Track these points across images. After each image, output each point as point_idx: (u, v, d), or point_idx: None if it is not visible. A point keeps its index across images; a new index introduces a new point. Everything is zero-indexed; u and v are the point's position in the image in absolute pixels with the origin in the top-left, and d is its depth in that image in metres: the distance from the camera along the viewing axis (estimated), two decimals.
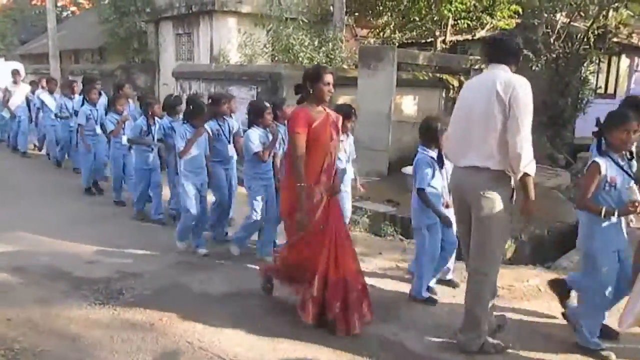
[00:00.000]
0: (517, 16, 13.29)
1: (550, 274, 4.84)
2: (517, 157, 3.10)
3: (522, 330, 3.85)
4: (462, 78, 12.56)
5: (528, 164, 3.13)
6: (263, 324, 3.86)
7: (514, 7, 13.10)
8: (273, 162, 5.19)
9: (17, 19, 34.23)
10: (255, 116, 5.04)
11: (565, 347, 3.60)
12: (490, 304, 3.48)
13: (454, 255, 4.45)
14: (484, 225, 3.29)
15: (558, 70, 11.35)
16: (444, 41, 13.98)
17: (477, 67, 10.43)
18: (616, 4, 11.59)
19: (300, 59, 10.65)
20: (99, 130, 7.63)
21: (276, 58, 11.32)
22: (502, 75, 3.19)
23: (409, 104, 10.65)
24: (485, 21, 13.82)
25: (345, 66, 11.18)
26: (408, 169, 8.24)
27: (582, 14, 11.71)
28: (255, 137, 4.99)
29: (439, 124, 4.12)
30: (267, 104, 5.21)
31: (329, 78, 3.66)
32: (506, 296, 4.43)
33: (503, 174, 3.25)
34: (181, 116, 6.28)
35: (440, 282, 4.57)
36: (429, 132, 4.15)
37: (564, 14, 11.37)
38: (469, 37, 14.30)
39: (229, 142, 5.73)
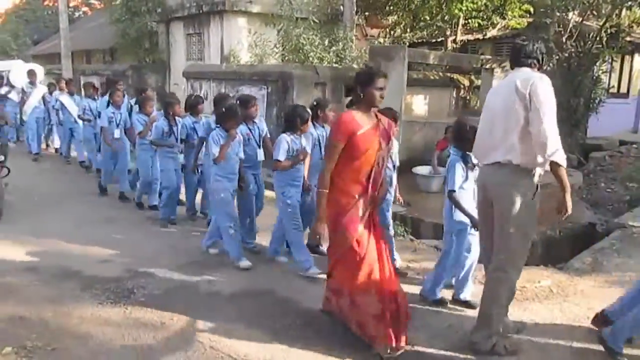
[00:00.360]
0: (528, 15, 13.23)
1: (561, 275, 4.81)
2: (541, 146, 3.09)
3: (533, 331, 3.82)
4: (472, 77, 12.53)
5: (555, 152, 3.09)
6: (274, 324, 3.86)
7: (525, 6, 13.04)
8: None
9: (30, 20, 34.53)
10: (291, 122, 4.79)
11: (578, 350, 3.57)
12: (507, 304, 3.46)
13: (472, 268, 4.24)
14: (507, 222, 3.28)
15: (570, 69, 11.26)
16: (454, 40, 13.94)
17: (487, 66, 10.37)
18: (629, 3, 11.49)
19: (310, 58, 10.65)
20: (117, 134, 7.48)
21: (286, 58, 11.33)
22: (521, 74, 3.28)
23: (419, 104, 10.64)
24: (496, 20, 13.77)
25: (355, 66, 11.16)
26: (418, 169, 8.23)
27: (594, 12, 11.60)
28: (285, 143, 4.74)
29: (472, 125, 3.99)
30: (309, 111, 4.92)
31: (381, 82, 3.39)
32: (518, 297, 4.37)
33: (526, 170, 3.25)
34: (203, 116, 6.37)
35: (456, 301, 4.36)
36: (462, 134, 4.05)
37: (576, 12, 11.28)
38: (480, 36, 14.26)
39: (259, 146, 5.49)
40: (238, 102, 5.47)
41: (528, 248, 3.40)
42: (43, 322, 3.79)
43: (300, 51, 10.83)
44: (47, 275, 4.66)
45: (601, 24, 11.30)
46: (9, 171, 6.64)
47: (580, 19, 11.42)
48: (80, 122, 9.21)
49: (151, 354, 3.43)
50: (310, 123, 4.92)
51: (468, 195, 4.04)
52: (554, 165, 3.13)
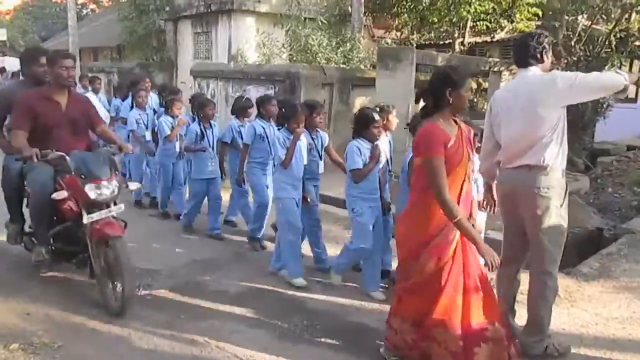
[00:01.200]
0: (536, 19, 13.19)
1: (569, 280, 4.78)
2: (607, 79, 3.13)
3: None
4: (480, 80, 12.51)
5: (624, 75, 3.12)
6: (280, 324, 3.85)
7: (533, 9, 13.00)
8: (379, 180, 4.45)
9: (38, 16, 34.73)
10: (361, 126, 4.31)
11: (586, 356, 3.55)
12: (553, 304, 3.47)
13: None
14: (541, 224, 3.27)
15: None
16: (462, 43, 13.91)
17: (495, 69, 10.34)
18: (639, 7, 11.42)
19: (318, 59, 10.65)
20: (149, 136, 7.02)
21: (294, 58, 11.33)
22: (537, 76, 3.28)
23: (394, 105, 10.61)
24: (504, 23, 13.74)
25: (362, 66, 11.16)
26: None
27: (604, 16, 11.55)
28: (358, 151, 4.24)
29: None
30: (375, 115, 4.37)
31: (470, 84, 3.05)
32: (524, 301, 4.37)
33: (558, 173, 3.27)
34: (250, 119, 5.88)
35: None
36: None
37: (585, 16, 11.23)
38: (488, 39, 14.23)
39: (321, 157, 4.96)
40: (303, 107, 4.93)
41: (563, 245, 3.40)
42: (49, 319, 3.80)
43: (308, 51, 10.83)
44: (54, 271, 4.64)
45: (610, 28, 11.25)
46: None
47: (590, 22, 11.37)
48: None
49: (157, 353, 3.43)
50: (379, 127, 4.36)
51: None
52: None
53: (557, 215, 3.28)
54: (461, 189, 2.97)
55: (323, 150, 4.97)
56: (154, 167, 7.03)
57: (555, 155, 3.23)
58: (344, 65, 10.77)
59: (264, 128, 5.33)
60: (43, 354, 3.33)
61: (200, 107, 5.91)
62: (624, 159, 10.48)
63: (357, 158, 4.21)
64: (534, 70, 3.31)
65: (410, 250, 3.05)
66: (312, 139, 4.86)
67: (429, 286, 2.98)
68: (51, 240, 4.23)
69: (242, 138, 5.67)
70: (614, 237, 6.14)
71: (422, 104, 3.15)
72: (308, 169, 4.78)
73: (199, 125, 5.84)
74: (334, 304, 4.22)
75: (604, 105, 11.55)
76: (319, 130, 4.95)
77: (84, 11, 35.68)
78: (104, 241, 3.84)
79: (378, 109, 4.65)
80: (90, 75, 10.49)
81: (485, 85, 11.92)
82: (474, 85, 12.36)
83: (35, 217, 4.12)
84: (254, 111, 5.82)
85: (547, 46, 3.32)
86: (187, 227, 6.05)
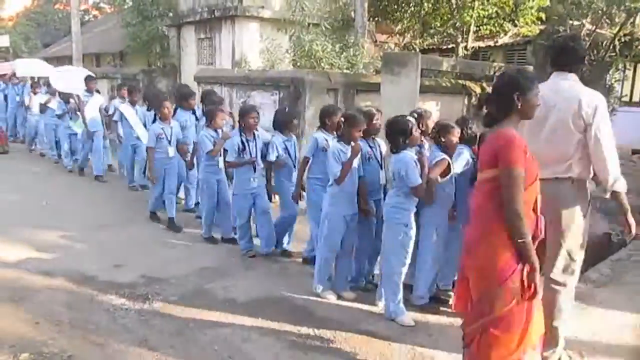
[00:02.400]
0: (540, 23, 13.18)
1: (579, 286, 4.74)
2: (601, 174, 3.13)
3: None
4: (484, 85, 12.47)
5: (616, 182, 3.12)
6: (290, 333, 3.83)
7: (537, 13, 13.00)
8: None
9: (40, 22, 34.80)
10: (400, 135, 4.03)
11: None
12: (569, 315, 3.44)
13: None
14: (564, 235, 3.25)
15: (583, 78, 11.06)
16: (465, 47, 13.89)
17: (500, 74, 10.32)
18: None
19: (322, 64, 10.64)
20: (172, 152, 6.41)
21: (298, 63, 11.31)
22: (579, 88, 3.19)
23: (431, 111, 10.58)
24: (507, 28, 13.74)
25: (365, 72, 11.15)
26: None
27: (608, 20, 11.57)
28: (414, 164, 3.99)
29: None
30: (412, 120, 4.12)
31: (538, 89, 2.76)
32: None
33: (583, 185, 3.25)
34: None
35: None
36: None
37: (589, 20, 11.23)
38: (491, 43, 14.22)
39: (381, 166, 4.64)
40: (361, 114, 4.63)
41: (582, 257, 3.37)
42: (59, 328, 3.77)
43: (312, 57, 10.81)
44: (62, 279, 4.64)
45: (615, 32, 11.25)
46: None
47: (594, 27, 11.38)
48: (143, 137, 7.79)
49: None
50: (417, 133, 4.12)
51: None
52: (615, 193, 3.15)
53: (580, 226, 3.25)
54: (535, 203, 2.68)
55: (382, 159, 4.64)
56: (191, 184, 7.02)
57: (584, 167, 3.20)
58: (348, 71, 10.75)
59: (326, 140, 4.87)
60: None
61: (242, 116, 5.39)
62: (630, 163, 10.46)
63: (416, 171, 3.94)
64: (573, 79, 3.21)
65: (486, 275, 2.64)
66: (370, 147, 4.59)
67: (518, 316, 2.61)
68: None
69: (289, 154, 5.34)
70: (622, 242, 6.12)
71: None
72: (368, 180, 4.52)
73: (240, 136, 5.35)
74: (345, 313, 4.20)
75: (609, 110, 11.53)
76: (375, 138, 4.70)
77: (86, 17, 35.73)
78: None
79: (416, 115, 4.49)
80: (128, 85, 9.56)
81: (490, 89, 11.88)
82: (478, 90, 12.33)
83: None
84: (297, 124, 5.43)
85: (585, 54, 3.26)
86: (250, 250, 5.46)
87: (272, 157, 5.29)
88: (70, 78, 9.76)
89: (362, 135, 4.45)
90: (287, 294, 4.51)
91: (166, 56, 15.92)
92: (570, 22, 11.41)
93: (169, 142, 6.32)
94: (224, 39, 13.46)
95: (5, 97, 13.71)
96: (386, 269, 4.11)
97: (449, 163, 4.16)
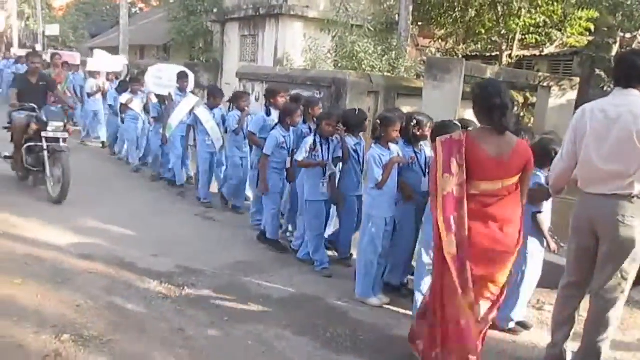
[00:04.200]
0: (588, 34, 12.86)
1: None
2: None
3: None
4: (527, 94, 12.26)
5: None
6: (323, 333, 3.83)
7: (586, 24, 12.68)
8: None
9: (89, 13, 35.72)
10: (543, 157, 3.88)
11: None
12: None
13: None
14: (621, 252, 3.16)
15: None
16: (509, 55, 13.66)
17: (545, 84, 10.11)
18: None
19: (363, 66, 10.63)
20: (289, 164, 5.62)
21: (339, 64, 11.33)
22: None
23: (470, 118, 10.46)
24: (554, 37, 13.44)
25: (406, 75, 11.09)
26: None
27: None
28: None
29: (556, 146, 3.81)
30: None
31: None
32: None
33: None
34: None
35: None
36: (545, 154, 3.84)
37: None
38: (537, 52, 13.93)
39: (425, 173, 4.48)
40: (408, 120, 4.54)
41: (635, 274, 3.29)
42: (98, 312, 3.86)
43: (354, 58, 10.82)
44: (102, 264, 4.75)
45: None
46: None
47: None
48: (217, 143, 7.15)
49: (202, 353, 3.45)
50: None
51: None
52: None
53: (638, 244, 3.15)
54: None
55: (427, 166, 4.50)
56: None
57: None
58: (389, 74, 10.71)
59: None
60: (92, 347, 3.38)
61: (319, 120, 5.14)
62: None
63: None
64: (636, 94, 3.11)
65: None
66: (415, 153, 4.52)
67: None
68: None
69: (357, 156, 5.07)
70: None
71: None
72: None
73: (315, 136, 5.07)
74: (378, 316, 4.18)
75: None
76: (422, 144, 4.60)
77: (133, 10, 36.50)
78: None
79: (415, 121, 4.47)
80: (210, 87, 8.62)
81: (533, 99, 11.67)
82: (521, 100, 12.12)
83: None
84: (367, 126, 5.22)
85: None
86: (326, 269, 5.02)
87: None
88: (163, 77, 8.55)
89: (405, 138, 4.48)
90: (322, 294, 4.52)
91: (209, 51, 16.18)
92: (622, 34, 11.09)
93: (289, 152, 5.53)
94: (268, 36, 13.59)
95: (75, 89, 12.25)
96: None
97: None
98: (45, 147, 6.53)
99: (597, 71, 10.99)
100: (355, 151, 5.08)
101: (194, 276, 4.68)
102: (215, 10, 15.87)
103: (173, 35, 17.20)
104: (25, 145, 6.72)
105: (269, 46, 13.50)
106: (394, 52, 11.23)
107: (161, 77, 8.54)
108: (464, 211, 3.02)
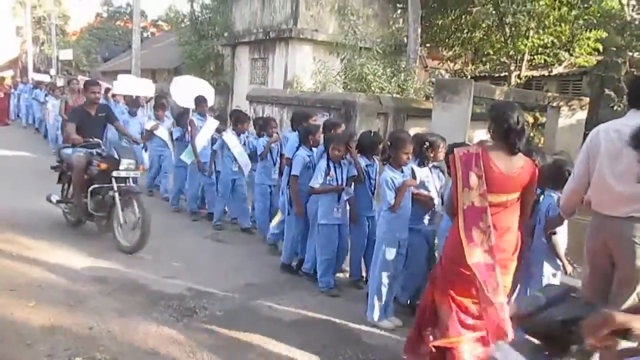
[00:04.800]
0: (597, 53, 12.89)
1: None
2: None
3: None
4: (537, 115, 12.26)
5: None
6: (335, 355, 3.82)
7: (594, 44, 12.73)
8: None
9: (102, 38, 36.36)
10: (557, 178, 3.90)
11: None
12: None
13: None
14: (637, 276, 3.11)
15: None
16: (518, 76, 13.71)
17: (554, 104, 10.12)
18: None
19: (372, 88, 10.71)
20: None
21: (348, 86, 11.43)
22: None
23: (480, 138, 10.47)
24: (563, 57, 13.50)
25: (415, 97, 11.15)
26: None
27: None
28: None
29: (570, 167, 3.80)
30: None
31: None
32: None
33: None
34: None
35: None
36: (560, 174, 3.84)
37: None
38: (545, 72, 13.97)
39: (438, 194, 4.63)
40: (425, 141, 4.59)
41: None
42: (110, 335, 3.88)
43: (363, 80, 10.91)
44: (115, 287, 4.78)
45: None
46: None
47: None
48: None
49: None
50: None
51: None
52: None
53: None
54: None
55: (441, 188, 4.61)
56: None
57: None
58: (398, 95, 10.78)
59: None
60: None
61: (328, 142, 5.14)
62: None
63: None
64: None
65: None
66: (431, 171, 4.62)
67: None
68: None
69: (369, 179, 5.09)
70: None
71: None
72: (418, 206, 4.52)
73: (327, 160, 5.05)
74: (389, 339, 4.17)
75: None
76: (435, 164, 4.66)
77: (145, 34, 37.14)
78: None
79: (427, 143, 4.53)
80: (237, 113, 7.45)
81: (542, 119, 11.68)
82: (530, 120, 12.12)
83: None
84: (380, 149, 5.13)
85: None
86: (332, 289, 5.07)
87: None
88: (189, 91, 8.04)
89: (419, 159, 4.54)
90: (332, 317, 4.50)
91: (220, 74, 16.36)
92: (630, 53, 11.11)
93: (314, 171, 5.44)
94: (277, 59, 13.75)
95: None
96: None
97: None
98: (115, 188, 5.76)
99: (607, 91, 10.99)
100: (368, 173, 5.08)
101: (205, 299, 4.69)
102: (225, 34, 16.10)
103: (184, 59, 17.45)
104: (91, 187, 5.89)
105: (279, 69, 13.66)
106: (402, 74, 11.31)
107: (187, 90, 8.11)
108: (490, 220, 3.14)
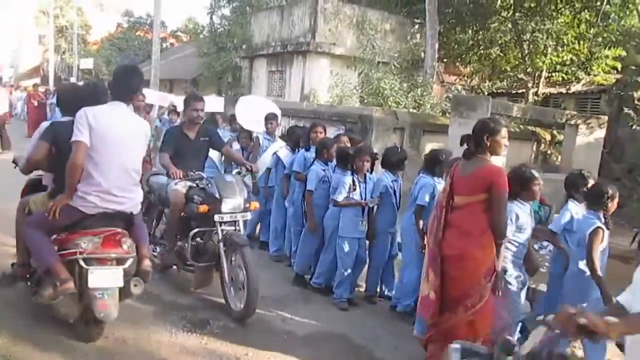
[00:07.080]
0: (616, 72, 12.82)
1: None
2: None
3: None
4: (554, 132, 12.19)
5: None
6: None
7: (612, 62, 12.66)
8: None
9: (122, 48, 36.89)
10: (521, 187, 3.71)
11: None
12: None
13: None
14: None
15: None
16: (536, 93, 13.68)
17: (572, 122, 10.07)
18: None
19: (389, 102, 10.74)
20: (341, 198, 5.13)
21: (365, 100, 11.47)
22: None
23: (497, 156, 10.44)
24: (581, 75, 13.44)
25: (431, 112, 11.15)
26: None
27: None
28: (516, 217, 3.68)
29: (610, 190, 3.76)
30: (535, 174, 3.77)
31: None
32: None
33: None
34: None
35: None
36: (599, 197, 3.78)
37: None
38: (563, 90, 13.92)
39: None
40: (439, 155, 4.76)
41: None
42: (124, 344, 3.90)
43: (380, 95, 10.95)
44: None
45: None
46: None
47: None
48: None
49: None
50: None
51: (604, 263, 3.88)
52: None
53: None
54: None
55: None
56: None
57: None
58: (415, 110, 10.80)
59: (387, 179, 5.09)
60: None
61: (350, 157, 5.10)
62: None
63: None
64: None
65: (479, 281, 3.49)
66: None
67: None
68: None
69: (394, 195, 5.04)
70: None
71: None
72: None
73: (352, 175, 5.03)
74: (404, 354, 4.14)
75: None
76: (442, 180, 4.63)
77: (164, 45, 37.62)
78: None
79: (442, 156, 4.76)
80: (292, 129, 6.98)
81: (560, 137, 11.60)
82: (548, 137, 12.05)
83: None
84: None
85: None
86: (344, 302, 5.03)
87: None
88: (253, 112, 7.49)
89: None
90: (345, 331, 4.48)
91: (237, 86, 16.53)
92: None
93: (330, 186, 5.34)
94: (295, 72, 13.85)
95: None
96: None
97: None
98: (220, 237, 4.58)
99: (625, 110, 10.90)
100: (393, 188, 5.05)
101: (218, 310, 4.69)
102: (244, 47, 16.28)
103: (203, 70, 17.66)
104: (193, 232, 4.77)
105: (296, 82, 13.76)
106: (419, 89, 11.34)
107: (251, 111, 7.51)
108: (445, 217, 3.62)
